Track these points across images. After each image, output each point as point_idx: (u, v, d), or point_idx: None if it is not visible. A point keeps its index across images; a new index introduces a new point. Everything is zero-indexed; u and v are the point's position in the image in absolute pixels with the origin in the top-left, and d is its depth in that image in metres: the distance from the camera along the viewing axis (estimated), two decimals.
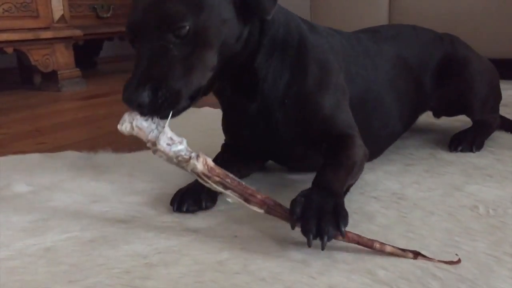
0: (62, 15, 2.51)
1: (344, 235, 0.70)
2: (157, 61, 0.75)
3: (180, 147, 0.73)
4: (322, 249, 0.68)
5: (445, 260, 0.67)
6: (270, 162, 1.11)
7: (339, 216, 0.71)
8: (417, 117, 1.27)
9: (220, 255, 0.73)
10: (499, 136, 1.28)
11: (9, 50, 2.32)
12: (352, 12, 2.30)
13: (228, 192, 0.73)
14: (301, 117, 0.93)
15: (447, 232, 0.77)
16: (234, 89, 0.91)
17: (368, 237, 0.71)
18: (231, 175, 0.74)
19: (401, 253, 0.69)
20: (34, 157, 1.27)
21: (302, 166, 1.08)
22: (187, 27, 0.75)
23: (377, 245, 0.70)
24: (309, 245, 0.68)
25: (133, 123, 0.75)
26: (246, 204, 0.73)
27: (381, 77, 1.10)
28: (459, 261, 0.67)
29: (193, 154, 0.73)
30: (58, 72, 2.51)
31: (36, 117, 1.88)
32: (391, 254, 0.70)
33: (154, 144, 0.73)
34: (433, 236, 0.76)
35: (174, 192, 0.93)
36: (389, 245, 0.70)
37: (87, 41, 2.97)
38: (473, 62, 1.22)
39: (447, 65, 1.20)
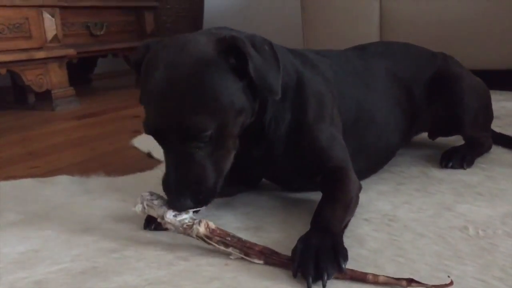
0: (55, 35, 2.51)
1: (345, 272, 0.70)
2: (188, 166, 0.80)
3: (185, 216, 0.82)
4: (323, 286, 0.69)
5: (437, 284, 0.67)
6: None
7: (339, 254, 0.71)
8: (413, 133, 1.27)
9: (211, 285, 0.73)
10: (490, 152, 1.29)
11: (3, 71, 2.32)
12: (343, 30, 2.31)
13: (229, 249, 0.79)
14: (300, 149, 0.95)
15: (437, 255, 0.77)
16: (241, 141, 0.91)
17: (360, 268, 0.72)
18: (231, 233, 0.80)
19: (395, 282, 0.69)
20: (26, 182, 1.27)
21: (295, 188, 1.09)
22: (209, 134, 0.79)
23: (370, 277, 0.70)
24: (308, 287, 0.69)
25: (144, 203, 0.86)
26: (246, 258, 0.78)
27: (372, 94, 1.11)
28: (451, 283, 0.67)
29: (196, 220, 0.81)
30: (52, 92, 2.51)
31: (29, 139, 1.88)
32: (385, 283, 0.69)
33: (162, 217, 0.83)
34: (423, 260, 0.76)
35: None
36: (382, 275, 0.70)
37: (81, 59, 2.98)
38: (464, 78, 1.23)
39: (439, 81, 1.21)
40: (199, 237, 0.80)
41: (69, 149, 1.70)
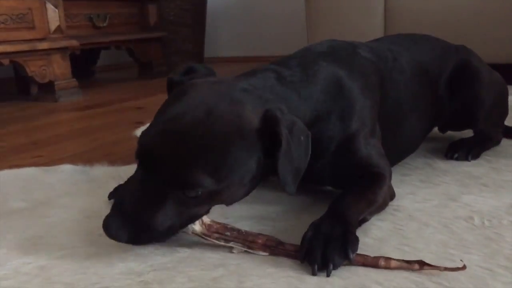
0: (58, 26, 2.51)
1: (353, 262, 0.70)
2: (152, 206, 0.73)
3: None
4: (327, 276, 0.68)
5: (450, 267, 0.67)
6: None
7: (348, 243, 0.70)
8: (433, 125, 1.26)
9: (215, 272, 0.73)
10: (498, 145, 1.28)
11: (6, 61, 2.32)
12: (347, 23, 2.30)
13: (230, 244, 0.76)
14: (342, 162, 0.91)
15: (442, 244, 0.77)
16: None
17: (366, 253, 0.72)
18: (229, 226, 0.77)
19: (407, 265, 0.69)
20: (30, 171, 1.27)
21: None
22: (199, 193, 0.72)
23: (382, 262, 0.70)
24: (313, 274, 0.69)
25: None
26: (250, 251, 0.76)
27: (406, 94, 1.08)
28: (464, 267, 0.67)
29: None
30: (55, 83, 2.51)
31: (32, 129, 1.88)
32: (397, 268, 0.69)
33: None
34: (428, 249, 0.76)
35: None
36: (393, 259, 0.70)
37: (84, 51, 2.98)
38: (483, 73, 1.21)
39: (458, 75, 1.19)
40: (196, 234, 0.77)
41: (72, 139, 1.70)
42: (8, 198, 1.07)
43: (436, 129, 1.32)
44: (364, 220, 0.84)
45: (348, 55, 0.99)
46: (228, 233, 0.76)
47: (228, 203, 0.80)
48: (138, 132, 1.65)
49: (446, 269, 0.67)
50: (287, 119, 0.76)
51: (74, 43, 2.61)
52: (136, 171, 0.77)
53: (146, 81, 3.15)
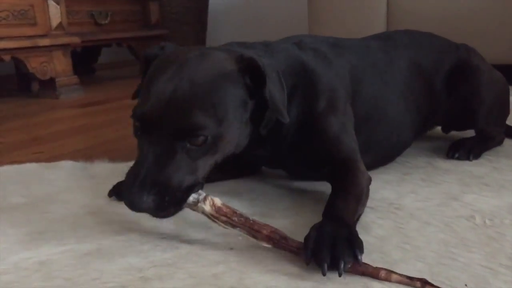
0: (60, 23, 2.51)
1: (361, 263, 0.68)
2: (165, 163, 0.74)
3: None
4: (339, 275, 0.67)
5: None
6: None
7: (355, 244, 0.69)
8: (428, 127, 1.26)
9: (216, 268, 0.72)
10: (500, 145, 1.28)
11: (7, 58, 2.31)
12: (350, 19, 2.30)
13: (236, 229, 0.76)
14: (309, 141, 0.94)
15: (444, 243, 0.77)
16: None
17: (366, 255, 0.70)
18: (238, 212, 0.76)
19: (409, 281, 0.66)
20: (31, 167, 1.26)
21: (301, 177, 1.08)
22: (204, 138, 0.75)
23: (383, 274, 0.67)
24: (323, 273, 0.67)
25: None
26: (254, 239, 0.75)
27: (389, 91, 1.09)
28: None
29: (201, 197, 0.77)
30: (56, 79, 2.50)
31: (33, 125, 1.88)
32: (397, 282, 0.66)
33: None
34: (429, 247, 0.76)
35: None
36: (395, 273, 0.67)
37: (85, 48, 2.97)
38: (484, 71, 1.21)
39: (459, 72, 1.19)
40: (205, 214, 0.77)
41: (73, 136, 1.70)
42: (8, 194, 1.07)
43: (439, 129, 1.32)
44: (358, 217, 0.84)
45: (316, 47, 1.01)
46: (236, 219, 0.75)
47: (232, 149, 0.82)
48: None
49: None
50: (261, 60, 0.81)
51: (76, 40, 2.61)
52: (139, 146, 0.78)
53: None
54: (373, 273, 0.68)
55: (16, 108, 2.30)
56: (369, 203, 0.93)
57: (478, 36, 2.04)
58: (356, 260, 0.68)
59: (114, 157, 1.32)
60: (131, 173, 0.74)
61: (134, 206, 0.72)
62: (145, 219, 0.91)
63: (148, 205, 0.72)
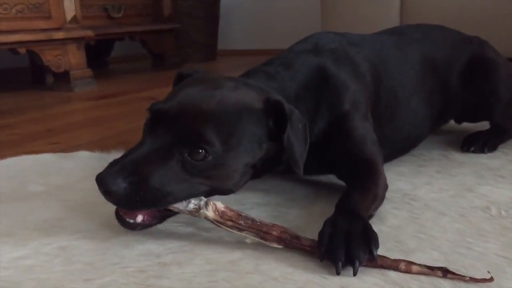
0: (74, 16, 2.53)
1: (377, 260, 0.67)
2: (155, 162, 0.72)
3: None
4: (354, 275, 0.65)
5: (476, 278, 0.63)
6: None
7: (370, 239, 0.68)
8: (444, 120, 1.25)
9: (232, 255, 0.73)
10: None
11: (22, 50, 2.34)
12: (363, 14, 2.29)
13: (244, 233, 0.73)
14: (334, 146, 0.93)
15: (459, 233, 0.77)
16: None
17: (381, 244, 0.69)
18: (243, 214, 0.74)
19: (429, 271, 0.65)
20: (48, 157, 1.28)
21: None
22: (206, 154, 0.73)
23: (403, 266, 0.66)
24: (337, 273, 0.66)
25: None
26: (264, 242, 0.73)
27: (405, 85, 1.09)
28: (491, 279, 0.63)
29: (202, 203, 0.74)
30: (70, 72, 2.53)
31: (48, 117, 1.90)
32: (418, 273, 0.65)
33: None
34: (445, 237, 0.76)
35: None
36: (415, 264, 0.66)
37: (98, 41, 2.99)
38: (500, 66, 1.20)
39: (474, 67, 1.18)
40: (208, 220, 0.74)
41: (88, 127, 1.72)
42: (26, 182, 1.09)
43: (452, 121, 1.32)
44: (370, 217, 0.82)
45: (334, 47, 1.00)
46: (242, 222, 0.73)
47: (227, 185, 0.79)
48: None
49: (471, 279, 0.63)
50: (287, 107, 0.80)
51: (90, 33, 2.63)
52: (140, 140, 0.76)
53: (160, 73, 3.17)
54: (392, 266, 0.67)
55: (31, 100, 2.32)
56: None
57: (493, 29, 2.03)
58: (371, 255, 0.67)
59: (129, 147, 1.33)
60: (119, 157, 0.73)
61: (102, 184, 0.69)
62: None
63: (118, 188, 0.69)
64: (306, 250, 0.72)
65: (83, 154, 1.29)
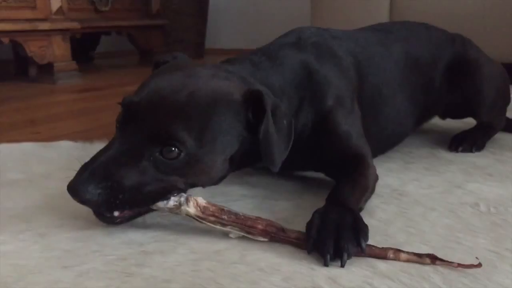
0: (60, 7, 2.49)
1: (365, 252, 0.66)
2: (126, 163, 0.69)
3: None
4: (342, 266, 0.64)
5: (464, 264, 0.62)
6: None
7: (360, 232, 0.67)
8: (428, 117, 1.25)
9: (217, 245, 0.71)
10: (500, 137, 1.27)
11: (5, 40, 2.30)
12: (352, 11, 2.29)
13: (227, 228, 0.71)
14: (320, 141, 0.90)
15: (448, 228, 0.76)
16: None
17: (370, 237, 0.68)
18: (226, 209, 0.71)
19: (417, 259, 0.64)
20: (29, 146, 1.25)
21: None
22: (178, 152, 0.70)
23: (391, 255, 0.65)
24: (325, 265, 0.64)
25: None
26: (249, 236, 0.71)
27: (389, 81, 1.08)
28: (479, 265, 0.62)
29: (182, 199, 0.71)
30: (54, 64, 2.49)
31: (30, 108, 1.86)
32: (407, 261, 0.65)
33: None
34: (434, 231, 0.75)
35: None
36: (403, 252, 0.65)
37: (84, 35, 2.95)
38: (483, 65, 1.20)
39: (457, 67, 1.18)
40: (190, 217, 0.71)
41: (71, 119, 1.69)
42: (6, 170, 1.05)
43: (438, 120, 1.32)
44: (360, 209, 0.81)
45: (316, 41, 0.98)
46: (225, 217, 0.70)
47: (204, 181, 0.76)
48: None
49: (460, 265, 0.62)
50: (271, 99, 0.77)
51: (76, 25, 2.59)
52: (112, 138, 0.74)
53: (147, 69, 3.10)
54: (380, 254, 0.66)
55: (13, 91, 2.28)
56: None
57: (482, 30, 2.03)
58: (360, 248, 0.66)
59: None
60: (90, 160, 0.70)
61: (75, 194, 0.67)
62: None
63: (91, 196, 0.66)
64: (293, 242, 0.70)
65: (65, 144, 1.26)
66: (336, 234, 0.67)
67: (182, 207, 0.71)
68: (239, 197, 0.90)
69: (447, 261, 0.63)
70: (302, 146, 0.89)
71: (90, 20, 2.85)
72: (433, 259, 0.64)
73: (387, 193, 0.91)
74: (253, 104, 0.75)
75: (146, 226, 0.78)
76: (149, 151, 0.70)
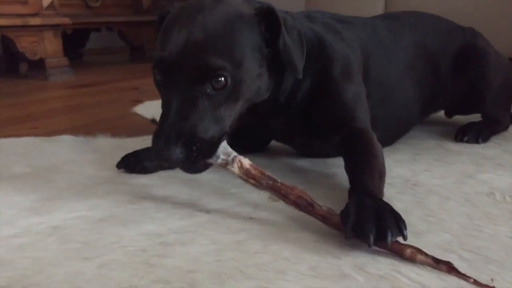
0: (52, 2, 2.45)
1: (406, 238, 0.63)
2: (188, 113, 0.72)
3: (218, 151, 0.75)
4: (387, 248, 0.63)
5: (479, 282, 0.58)
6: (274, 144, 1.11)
7: (399, 219, 0.65)
8: (433, 109, 1.25)
9: (238, 236, 0.70)
10: (506, 130, 1.27)
11: None
12: (347, 6, 2.28)
13: (265, 191, 0.74)
14: (321, 107, 0.92)
15: (467, 216, 0.76)
16: (255, 114, 0.89)
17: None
18: (266, 174, 0.74)
19: (434, 264, 0.61)
20: (29, 140, 1.22)
21: (311, 153, 1.07)
22: (225, 79, 0.73)
23: (408, 253, 0.62)
24: (369, 244, 0.62)
25: None
26: (285, 202, 0.73)
27: (395, 68, 1.08)
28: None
29: (230, 158, 0.75)
30: (46, 60, 2.45)
31: (25, 103, 1.83)
32: (422, 263, 0.62)
33: None
34: (454, 220, 0.75)
35: (182, 175, 0.90)
36: (421, 253, 0.62)
37: (75, 31, 2.91)
38: (490, 54, 1.20)
39: (465, 55, 1.18)
40: (235, 175, 0.75)
41: (69, 114, 1.66)
42: (10, 164, 1.03)
43: (443, 114, 1.32)
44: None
45: (325, 21, 1.00)
46: (264, 182, 0.73)
47: (254, 96, 0.81)
48: (137, 109, 1.62)
49: (475, 282, 0.58)
50: (280, 13, 0.81)
51: (67, 21, 2.55)
52: (161, 97, 0.76)
53: (139, 65, 3.10)
54: (398, 250, 0.63)
55: (5, 87, 2.24)
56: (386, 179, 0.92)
57: (481, 26, 2.02)
58: (402, 234, 0.63)
59: (115, 133, 1.28)
60: (157, 128, 0.72)
61: (162, 159, 0.70)
62: (158, 189, 0.89)
63: (177, 156, 0.70)
64: (319, 219, 0.70)
65: (67, 138, 1.24)
66: (376, 218, 0.64)
67: (228, 166, 0.75)
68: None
69: (463, 274, 0.59)
70: (307, 108, 0.92)
71: (81, 16, 2.82)
72: (450, 268, 0.60)
73: (400, 183, 0.91)
74: (266, 18, 0.79)
75: (162, 218, 0.76)
76: (201, 92, 0.73)
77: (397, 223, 0.64)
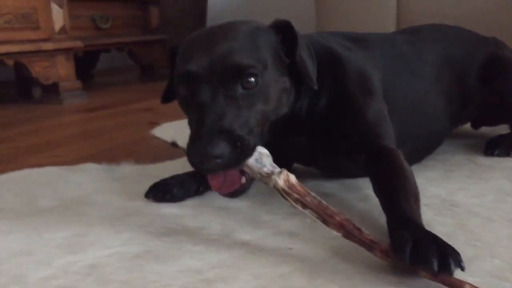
0: (63, 26, 2.45)
1: (464, 268, 0.59)
2: (224, 111, 0.73)
3: (265, 162, 0.75)
4: (451, 274, 0.58)
5: None
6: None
7: (454, 250, 0.61)
8: (460, 122, 1.23)
9: (280, 269, 0.68)
10: None
11: (10, 62, 2.26)
12: (358, 16, 2.27)
13: (307, 211, 0.70)
14: (343, 124, 0.90)
15: None
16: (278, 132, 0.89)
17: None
18: (312, 194, 0.71)
19: None
20: (53, 170, 1.21)
21: (335, 174, 1.05)
22: (256, 78, 0.76)
23: None
24: (433, 270, 0.58)
25: None
26: (324, 225, 0.69)
27: (419, 82, 1.07)
28: None
29: (276, 170, 0.74)
30: (59, 84, 2.45)
31: (43, 130, 1.82)
32: None
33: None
34: (500, 243, 0.72)
35: (212, 203, 0.93)
36: None
37: (86, 53, 2.92)
38: None
39: (491, 65, 1.16)
40: (276, 189, 0.72)
41: (88, 139, 1.65)
42: (36, 197, 1.01)
43: (469, 127, 1.30)
44: None
45: (338, 40, 1.00)
46: (308, 199, 0.70)
47: (277, 106, 0.82)
48: (156, 131, 1.61)
49: None
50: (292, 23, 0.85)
51: (79, 44, 2.55)
52: (188, 111, 0.79)
53: (149, 84, 3.10)
54: (455, 285, 0.58)
55: (20, 113, 2.23)
56: (421, 200, 0.89)
57: (494, 32, 2.01)
58: (460, 267, 0.59)
59: (138, 159, 1.27)
60: (193, 132, 0.74)
61: (210, 156, 0.69)
62: (190, 219, 0.87)
63: (222, 150, 0.69)
64: (366, 245, 0.66)
65: (90, 167, 1.22)
66: (435, 245, 0.61)
67: (273, 176, 0.72)
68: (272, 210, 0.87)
69: None
70: (328, 125, 0.91)
71: (92, 38, 2.82)
72: None
73: (437, 203, 0.88)
74: (281, 30, 0.83)
75: (199, 252, 0.74)
76: (233, 93, 0.75)
77: (456, 254, 0.60)
